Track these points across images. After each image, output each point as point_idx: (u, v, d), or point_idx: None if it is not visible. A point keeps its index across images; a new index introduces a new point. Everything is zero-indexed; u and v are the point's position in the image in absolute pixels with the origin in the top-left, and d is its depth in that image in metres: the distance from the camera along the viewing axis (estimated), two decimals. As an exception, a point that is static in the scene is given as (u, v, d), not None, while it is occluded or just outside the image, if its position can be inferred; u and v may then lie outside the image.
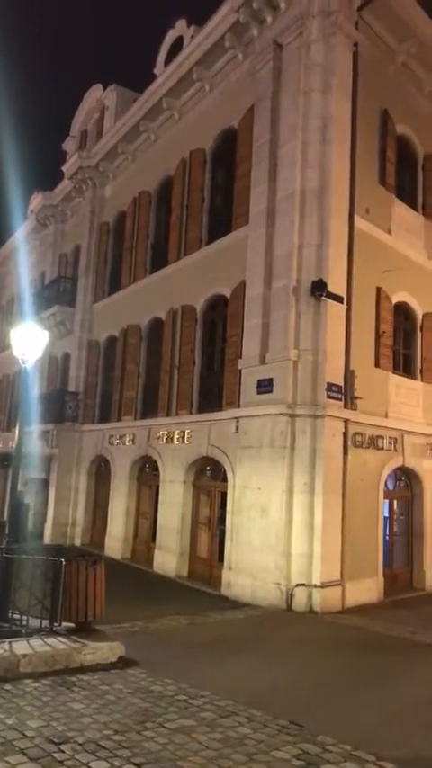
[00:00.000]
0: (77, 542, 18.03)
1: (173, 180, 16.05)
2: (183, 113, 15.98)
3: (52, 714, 5.28)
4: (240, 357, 12.13)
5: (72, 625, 7.26)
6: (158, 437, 14.73)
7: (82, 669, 6.49)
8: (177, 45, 16.71)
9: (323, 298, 10.96)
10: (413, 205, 14.06)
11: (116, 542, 15.96)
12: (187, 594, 11.86)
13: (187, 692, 5.95)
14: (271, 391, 11.17)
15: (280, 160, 12.01)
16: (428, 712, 5.92)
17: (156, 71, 17.58)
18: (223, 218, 13.93)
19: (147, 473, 15.91)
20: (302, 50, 11.90)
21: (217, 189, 14.77)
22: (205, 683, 6.17)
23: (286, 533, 10.48)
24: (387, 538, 12.57)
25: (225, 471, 12.37)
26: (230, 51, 13.81)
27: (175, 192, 15.82)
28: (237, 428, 11.89)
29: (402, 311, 13.55)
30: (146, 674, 6.49)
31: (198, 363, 14.10)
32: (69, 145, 24.21)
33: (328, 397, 10.87)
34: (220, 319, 13.74)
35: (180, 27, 17.01)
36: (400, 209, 13.50)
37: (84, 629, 7.22)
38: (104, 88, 21.62)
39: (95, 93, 22.34)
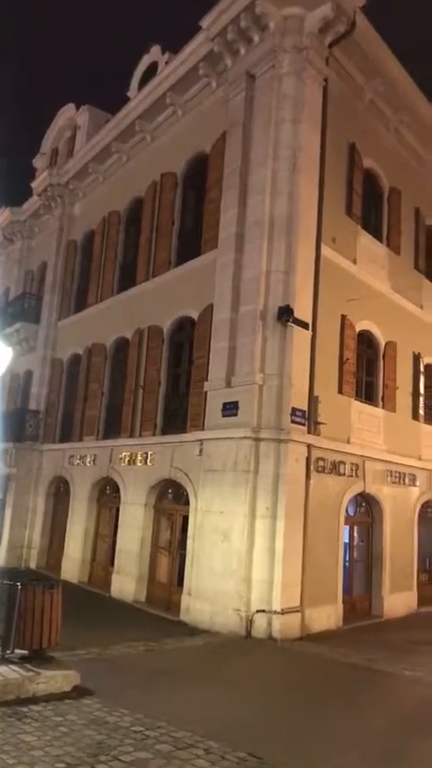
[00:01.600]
0: (33, 565, 17.52)
1: (143, 201, 16.12)
2: (155, 136, 16.13)
3: (1, 747, 5.04)
4: (206, 379, 12.12)
5: (25, 652, 6.98)
6: (120, 458, 14.53)
7: (34, 699, 6.24)
8: (151, 70, 16.94)
9: (289, 323, 11.08)
10: (378, 236, 14.44)
11: (73, 565, 15.57)
12: (145, 620, 11.61)
13: (143, 722, 5.78)
14: (236, 414, 11.17)
15: (250, 187, 12.20)
16: (384, 742, 5.89)
17: (129, 94, 17.74)
18: (193, 241, 14.02)
19: (107, 495, 15.64)
20: (274, 82, 12.19)
21: (187, 212, 14.89)
22: (162, 714, 6.00)
23: (247, 559, 10.40)
24: (347, 564, 12.60)
25: (187, 495, 12.25)
26: (204, 79, 14.06)
27: (145, 214, 15.88)
28: (201, 451, 11.82)
29: (365, 339, 13.80)
30: (101, 703, 6.28)
31: (163, 384, 14.02)
32: (39, 161, 24.12)
33: (292, 421, 10.93)
34: (186, 341, 13.74)
35: (155, 53, 17.26)
36: (365, 240, 13.84)
37: (38, 657, 6.95)
38: (77, 107, 21.69)
39: (68, 112, 22.39)
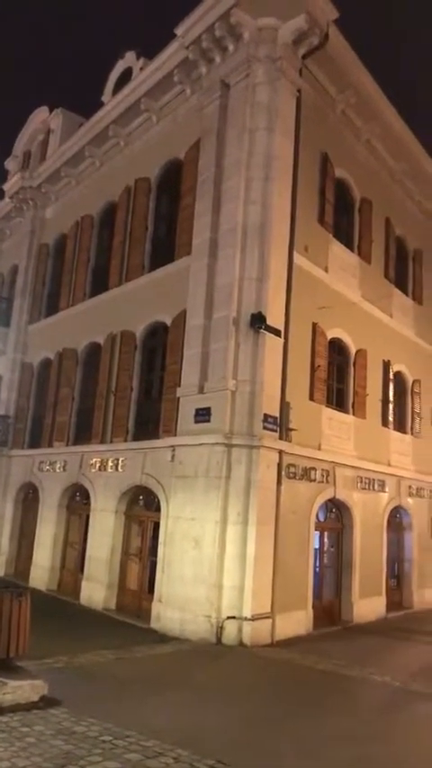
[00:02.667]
0: (0, 573, 17.21)
1: (116, 206, 16.07)
2: (129, 142, 16.11)
3: (-34, 760, 4.93)
4: (179, 385, 12.10)
5: (-9, 662, 6.84)
6: (91, 464, 14.39)
7: (1, 710, 6.11)
8: (126, 75, 16.93)
9: (262, 330, 11.15)
10: (349, 245, 14.65)
11: (42, 573, 15.34)
12: (115, 628, 11.49)
13: (112, 732, 5.71)
14: (208, 420, 11.17)
15: (224, 194, 12.27)
16: (351, 748, 5.93)
17: (103, 99, 17.70)
18: (166, 246, 14.03)
19: (77, 501, 15.47)
20: (249, 91, 12.31)
21: (161, 218, 14.89)
22: (131, 723, 5.94)
23: (218, 565, 10.39)
24: (317, 570, 12.68)
25: (159, 501, 12.19)
26: (179, 86, 14.11)
27: (118, 219, 15.83)
28: (173, 457, 11.78)
29: (336, 347, 13.96)
30: (69, 713, 6.18)
31: (135, 390, 13.95)
32: (11, 164, 23.84)
33: (264, 428, 10.98)
34: (159, 347, 13.70)
35: (129, 58, 17.26)
36: (337, 249, 14.03)
37: (5, 666, 6.80)
38: (50, 111, 21.54)
39: (41, 115, 22.21)
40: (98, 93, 18.15)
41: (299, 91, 12.79)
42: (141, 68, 15.65)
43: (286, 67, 12.29)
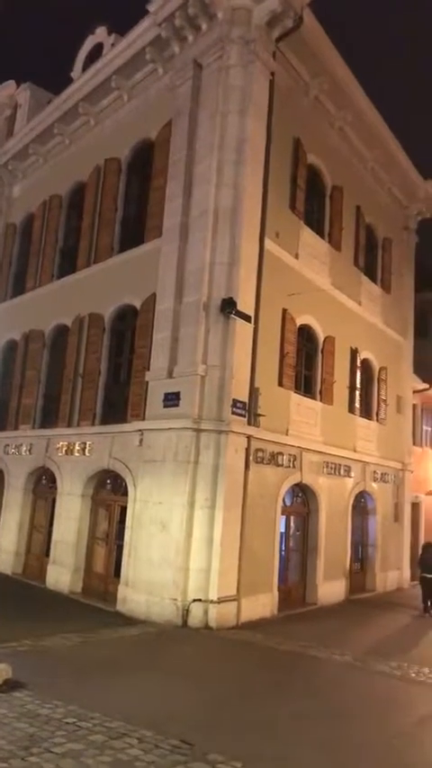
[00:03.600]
0: (-36, 557, 16.95)
1: (86, 186, 15.77)
2: (99, 120, 15.79)
3: None
4: (148, 369, 12.03)
5: None
6: (58, 448, 14.24)
7: (-37, 694, 6.06)
8: (97, 51, 16.54)
9: (232, 316, 11.13)
10: (320, 232, 14.69)
11: (7, 557, 15.18)
12: (81, 611, 11.47)
13: (77, 714, 5.72)
14: (177, 405, 11.15)
15: (195, 177, 12.14)
16: (312, 726, 6.06)
17: (73, 75, 17.28)
18: (136, 228, 13.85)
19: (43, 485, 15.32)
20: (222, 72, 12.16)
21: (131, 199, 14.67)
22: (96, 705, 5.95)
23: (185, 549, 10.43)
24: (283, 553, 12.85)
25: (126, 485, 12.16)
26: (151, 65, 13.85)
27: (87, 199, 15.54)
28: (141, 441, 11.74)
29: (305, 333, 14.05)
30: (33, 696, 6.16)
31: (104, 373, 13.81)
32: (-23, 140, 23.13)
33: (233, 413, 11.01)
34: (128, 330, 13.57)
35: (100, 34, 16.86)
36: (308, 236, 14.06)
37: (-33, 651, 6.75)
38: (18, 85, 20.92)
39: (8, 90, 21.52)
40: (68, 69, 17.74)
41: (272, 74, 12.68)
42: (113, 45, 15.32)
43: (260, 50, 12.17)
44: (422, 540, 19.60)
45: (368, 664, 8.75)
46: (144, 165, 14.15)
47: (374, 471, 16.34)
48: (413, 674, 8.39)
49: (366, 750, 5.53)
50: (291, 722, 6.15)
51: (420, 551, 15.15)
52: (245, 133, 11.93)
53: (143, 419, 11.88)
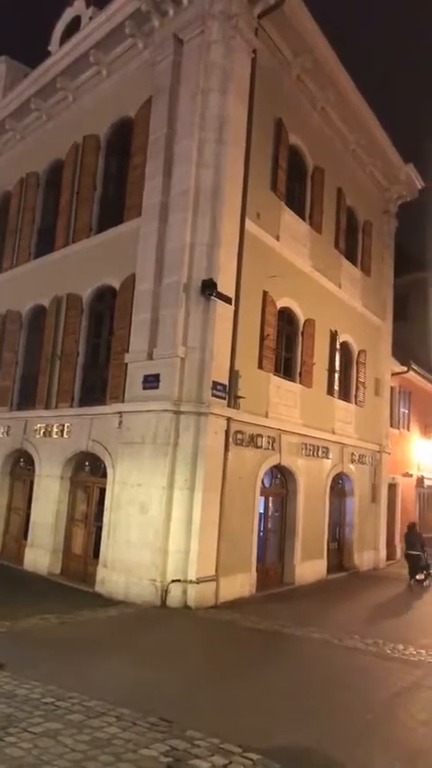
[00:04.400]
0: None
1: (64, 164, 15.45)
2: (77, 96, 15.44)
3: None
4: (127, 351, 11.93)
5: None
6: (35, 430, 14.12)
7: None
8: (75, 24, 16.11)
9: (212, 297, 11.07)
10: (301, 214, 14.62)
11: (-16, 539, 15.10)
12: (59, 592, 11.47)
13: (55, 693, 5.73)
14: (157, 387, 11.10)
15: (176, 156, 11.97)
16: (289, 702, 6.16)
17: (50, 48, 16.84)
18: (115, 207, 13.63)
19: (21, 467, 15.20)
20: (203, 49, 11.95)
21: (110, 178, 14.43)
22: (74, 685, 5.97)
23: (164, 530, 10.47)
24: (261, 534, 12.96)
25: (105, 467, 12.12)
26: (130, 39, 13.53)
27: (65, 177, 15.24)
28: (120, 423, 11.70)
29: (286, 316, 14.04)
30: (11, 677, 6.15)
31: (82, 355, 13.68)
32: None
33: (213, 395, 11.00)
34: (107, 311, 13.42)
35: (78, 6, 16.40)
36: (289, 217, 13.99)
37: None
38: (-7, 58, 20.33)
39: (-17, 63, 20.94)
40: (45, 42, 17.25)
41: (254, 52, 12.51)
42: (91, 18, 14.91)
43: (242, 26, 11.97)
44: (398, 521, 20.02)
45: (345, 641, 8.91)
46: (123, 143, 13.89)
47: (352, 453, 16.52)
48: (388, 651, 8.56)
49: (341, 723, 5.64)
50: (268, 698, 6.25)
51: (406, 530, 16.21)
52: (226, 112, 11.76)
53: (122, 401, 11.81)
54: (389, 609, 12.41)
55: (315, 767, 4.60)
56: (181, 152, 11.89)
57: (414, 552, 15.24)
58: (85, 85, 15.16)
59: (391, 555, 19.05)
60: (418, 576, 15.00)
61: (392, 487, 19.74)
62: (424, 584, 14.87)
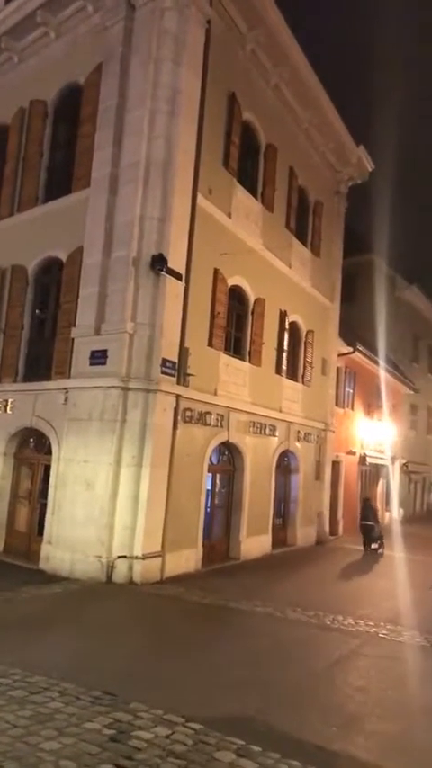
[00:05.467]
0: None
1: (9, 129, 14.79)
2: (23, 58, 14.75)
3: None
4: (74, 325, 11.69)
5: None
6: (-22, 405, 13.70)
7: None
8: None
9: (162, 273, 10.94)
10: (253, 192, 14.55)
11: None
12: (2, 570, 11.28)
13: (-4, 671, 5.66)
14: (104, 363, 10.94)
15: (126, 126, 11.67)
16: (231, 673, 6.29)
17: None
18: (63, 177, 13.19)
19: (-37, 443, 14.75)
20: (156, 15, 11.62)
21: (58, 146, 13.92)
22: (17, 661, 5.91)
23: (111, 506, 10.42)
24: (208, 510, 13.08)
25: (50, 444, 11.91)
26: (80, 1, 13.01)
27: (10, 143, 14.61)
28: (66, 399, 11.49)
29: (236, 294, 14.03)
30: None
31: (26, 328, 13.30)
32: None
33: (162, 372, 10.94)
34: (53, 284, 13.07)
35: (26, -38, 15.60)
36: (241, 195, 13.91)
37: None
38: None
39: None
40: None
41: (208, 23, 12.24)
42: (38, -25, 14.21)
43: (196, -6, 11.69)
44: (341, 497, 20.64)
45: (287, 614, 9.15)
46: (72, 110, 13.38)
47: (298, 431, 16.82)
48: (328, 622, 8.85)
49: (282, 692, 5.81)
50: (211, 670, 6.36)
51: (362, 504, 18.67)
52: (179, 83, 11.53)
53: (68, 377, 11.60)
54: (330, 582, 12.81)
55: (254, 734, 4.72)
56: (132, 122, 11.60)
57: (368, 523, 17.12)
58: (32, 47, 14.48)
59: (333, 530, 19.64)
60: (373, 546, 16.81)
61: (336, 465, 20.26)
62: (378, 551, 16.64)
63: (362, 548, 17.09)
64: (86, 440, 10.91)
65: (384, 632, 8.50)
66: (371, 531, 17.02)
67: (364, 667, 6.91)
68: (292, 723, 5.08)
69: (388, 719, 5.38)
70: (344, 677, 6.48)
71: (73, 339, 11.63)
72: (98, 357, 11.08)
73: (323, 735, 4.90)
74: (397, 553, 17.12)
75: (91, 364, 11.15)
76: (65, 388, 11.53)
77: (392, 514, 27.05)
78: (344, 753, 4.61)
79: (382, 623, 8.96)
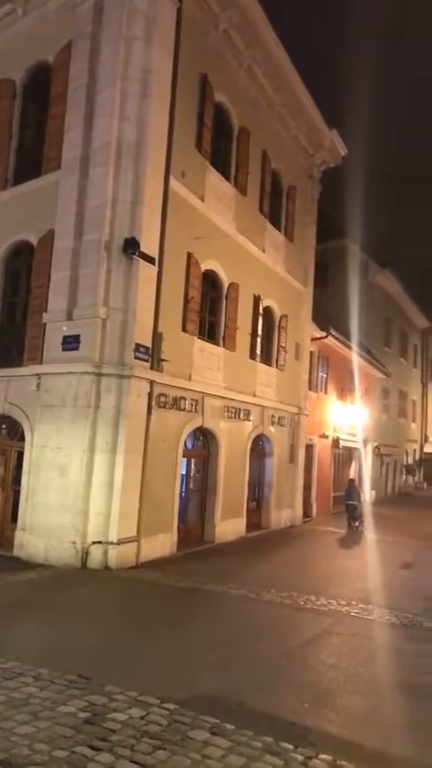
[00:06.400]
0: None
1: (-24, 108, 14.42)
2: (-10, 35, 14.35)
3: None
4: (45, 311, 11.54)
5: None
6: None
7: None
8: None
9: (135, 257, 10.84)
10: (226, 175, 14.46)
11: None
12: (-24, 558, 11.21)
13: (-30, 658, 5.65)
14: (77, 348, 10.85)
15: (97, 106, 11.47)
16: (206, 654, 6.38)
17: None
18: (33, 159, 12.90)
19: None
20: (126, -7, 11.37)
21: (27, 127, 13.60)
22: (-9, 648, 5.90)
23: (85, 492, 10.40)
24: (183, 494, 13.14)
25: (23, 430, 11.80)
26: (48, -24, 12.69)
27: (-22, 123, 14.24)
28: (38, 386, 11.38)
29: (210, 279, 13.99)
30: None
31: (-2, 314, 13.10)
32: None
33: (136, 357, 10.89)
34: (24, 268, 12.85)
35: None
36: (214, 178, 13.81)
37: None
38: None
39: None
40: None
41: (180, 1, 12.04)
42: None
43: (167, -28, 11.48)
44: (315, 481, 20.90)
45: (262, 595, 9.27)
46: (41, 90, 13.06)
47: (272, 415, 16.93)
48: (301, 602, 9.00)
49: (256, 671, 5.91)
50: (186, 652, 6.44)
51: (347, 485, 20.00)
52: (150, 63, 11.35)
53: (41, 363, 11.47)
54: (303, 563, 13.01)
55: (228, 712, 4.81)
56: (103, 103, 11.40)
57: (352, 503, 18.59)
58: (-1, 23, 14.10)
59: (307, 513, 19.91)
60: (355, 523, 18.26)
61: (309, 448, 20.49)
62: (359, 528, 18.17)
63: (335, 529, 17.52)
64: (60, 426, 10.84)
65: (356, 611, 8.68)
66: (354, 511, 18.48)
67: (336, 645, 7.06)
68: (266, 701, 5.18)
69: (359, 695, 5.52)
70: (316, 655, 6.61)
71: (45, 324, 11.49)
72: (70, 342, 10.98)
73: (296, 711, 5.01)
74: (369, 534, 17.46)
75: (63, 350, 11.05)
76: (37, 374, 11.42)
77: (365, 496, 27.49)
78: (316, 728, 4.72)
79: (353, 602, 9.15)
